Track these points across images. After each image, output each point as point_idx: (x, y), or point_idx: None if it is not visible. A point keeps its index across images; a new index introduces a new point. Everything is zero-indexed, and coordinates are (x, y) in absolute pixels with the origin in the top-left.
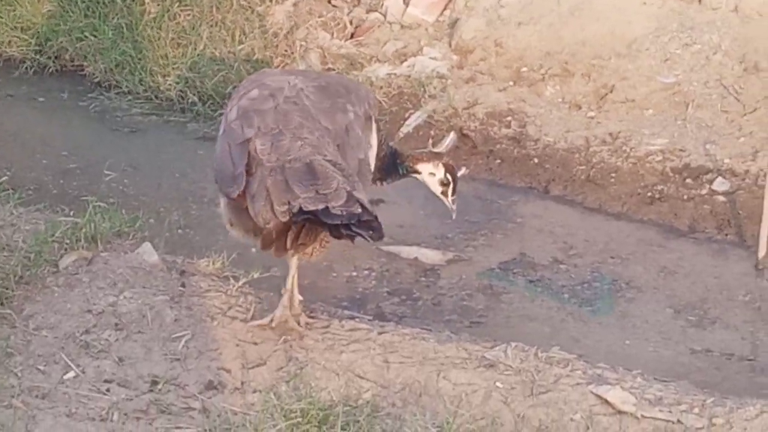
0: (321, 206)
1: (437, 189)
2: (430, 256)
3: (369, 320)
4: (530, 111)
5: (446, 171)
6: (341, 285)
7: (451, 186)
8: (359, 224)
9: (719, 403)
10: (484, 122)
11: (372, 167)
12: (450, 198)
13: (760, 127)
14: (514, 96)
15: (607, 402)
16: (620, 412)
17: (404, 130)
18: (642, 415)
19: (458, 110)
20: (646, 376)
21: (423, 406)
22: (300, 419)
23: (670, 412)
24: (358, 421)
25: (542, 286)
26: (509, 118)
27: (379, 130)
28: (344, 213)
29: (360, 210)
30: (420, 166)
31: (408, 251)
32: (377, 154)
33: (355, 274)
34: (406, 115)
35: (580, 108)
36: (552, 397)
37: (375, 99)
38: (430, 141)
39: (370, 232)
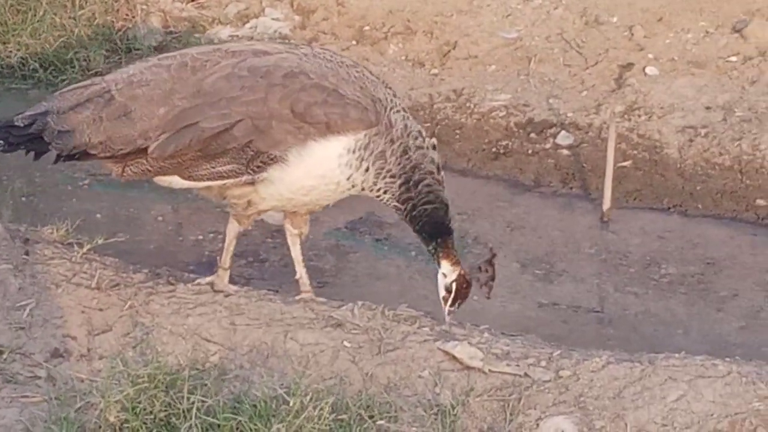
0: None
1: (441, 291)
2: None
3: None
4: (374, 69)
5: (454, 281)
6: (188, 248)
7: (452, 297)
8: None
9: (566, 355)
10: None
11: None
12: (447, 307)
13: (602, 80)
14: (358, 55)
15: (454, 358)
16: (468, 367)
17: None
18: (490, 370)
19: None
20: (493, 330)
21: (271, 368)
22: (147, 384)
23: (518, 365)
24: (206, 385)
25: (389, 244)
26: None
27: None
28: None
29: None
30: (442, 262)
31: None
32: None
33: (201, 237)
34: None
35: (423, 65)
36: (400, 354)
37: (353, 120)
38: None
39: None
